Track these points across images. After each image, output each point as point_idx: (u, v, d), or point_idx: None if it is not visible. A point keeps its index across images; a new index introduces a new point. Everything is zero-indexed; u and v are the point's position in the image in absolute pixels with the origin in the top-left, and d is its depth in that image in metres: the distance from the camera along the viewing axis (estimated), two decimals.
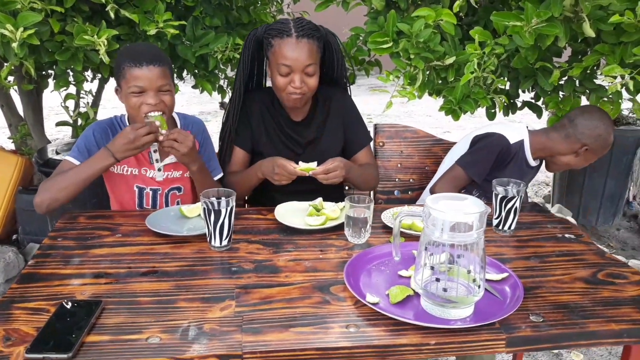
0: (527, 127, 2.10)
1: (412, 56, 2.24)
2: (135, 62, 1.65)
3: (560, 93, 2.45)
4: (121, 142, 1.59)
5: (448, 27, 2.22)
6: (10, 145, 3.34)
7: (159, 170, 1.82)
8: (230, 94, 2.81)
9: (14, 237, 3.07)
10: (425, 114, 7.19)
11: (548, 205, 3.77)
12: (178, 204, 1.86)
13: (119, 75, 1.69)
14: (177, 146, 1.64)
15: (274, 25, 1.79)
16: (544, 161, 2.12)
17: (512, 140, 2.00)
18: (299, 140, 1.94)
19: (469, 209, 1.14)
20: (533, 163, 2.05)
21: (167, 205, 1.85)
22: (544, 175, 4.54)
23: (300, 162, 1.72)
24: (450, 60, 2.23)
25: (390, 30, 2.25)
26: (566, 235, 1.57)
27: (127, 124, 1.80)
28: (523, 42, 2.02)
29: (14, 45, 1.79)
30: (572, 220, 3.17)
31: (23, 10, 1.87)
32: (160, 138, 1.63)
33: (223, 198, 1.40)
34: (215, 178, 1.90)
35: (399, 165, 2.28)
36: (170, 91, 1.71)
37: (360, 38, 2.62)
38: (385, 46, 2.25)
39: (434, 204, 1.14)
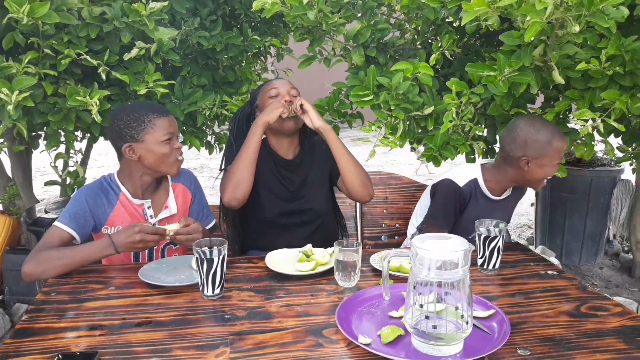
0: (481, 164, 2.14)
1: (392, 107, 2.33)
2: (162, 112, 1.76)
3: None
4: (126, 239, 1.58)
5: (425, 79, 2.33)
6: None
7: (154, 225, 1.84)
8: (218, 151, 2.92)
9: (0, 297, 3.03)
10: (407, 163, 7.33)
11: (531, 247, 3.83)
12: None
13: (143, 129, 1.71)
14: (191, 241, 1.61)
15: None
16: (511, 190, 2.12)
17: (462, 182, 2.04)
18: (292, 178, 2.05)
19: (454, 247, 1.20)
20: (495, 197, 2.07)
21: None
22: (526, 218, 4.63)
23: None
24: (429, 110, 2.33)
25: (371, 83, 2.36)
26: (549, 272, 1.62)
27: (119, 185, 1.80)
28: (497, 90, 2.13)
29: (9, 107, 1.85)
30: (556, 261, 3.23)
31: (18, 74, 1.94)
32: (168, 237, 1.64)
33: (215, 247, 1.44)
34: (209, 226, 1.96)
35: (384, 211, 2.34)
36: None
37: (343, 92, 2.73)
38: (366, 99, 2.35)
39: (421, 244, 1.19)
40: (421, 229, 2.14)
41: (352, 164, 1.96)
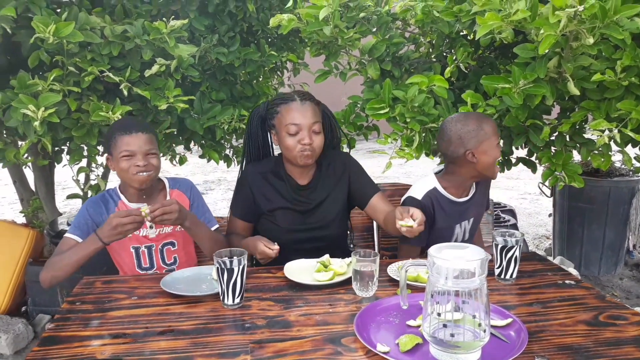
0: (435, 172, 2.12)
1: (408, 120, 2.36)
2: (126, 130, 1.84)
3: (552, 148, 2.55)
4: (106, 228, 1.71)
5: (441, 91, 2.36)
6: (22, 219, 3.42)
7: (151, 227, 1.93)
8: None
9: (23, 308, 3.09)
10: (423, 174, 7.34)
11: (550, 258, 3.80)
12: (175, 260, 1.98)
13: (110, 145, 1.86)
14: (167, 216, 1.73)
15: (276, 98, 1.96)
16: (474, 186, 2.10)
17: (420, 194, 2.01)
18: (306, 202, 1.99)
19: (470, 256, 1.21)
20: (460, 200, 2.05)
21: (163, 261, 1.97)
22: (544, 229, 4.60)
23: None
24: None
25: (387, 97, 2.39)
26: (566, 282, 1.62)
27: (119, 194, 1.95)
28: (513, 102, 2.15)
29: (36, 124, 1.91)
30: (575, 272, 3.20)
31: (43, 91, 2.00)
32: (148, 219, 1.71)
33: (235, 257, 1.47)
34: (212, 229, 2.01)
35: None
36: (157, 155, 1.89)
37: (358, 105, 2.77)
38: (382, 112, 2.38)
39: (438, 253, 1.21)
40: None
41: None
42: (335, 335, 1.32)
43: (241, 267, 1.46)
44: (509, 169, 2.81)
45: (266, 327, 1.37)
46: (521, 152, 2.75)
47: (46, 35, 1.91)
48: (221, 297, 1.49)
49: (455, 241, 2.08)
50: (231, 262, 1.45)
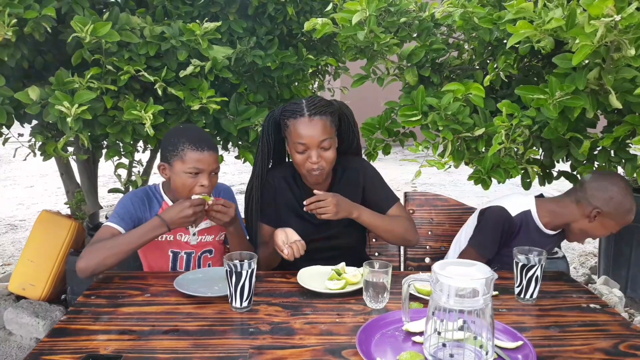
0: (537, 195, 2.07)
1: (440, 128, 2.30)
2: (197, 146, 1.76)
3: (596, 163, 2.43)
4: (177, 214, 1.67)
5: (477, 100, 2.29)
6: (67, 211, 3.56)
7: (194, 235, 1.92)
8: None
9: (63, 297, 3.22)
10: (470, 183, 7.15)
11: (594, 277, 3.62)
12: (209, 266, 1.95)
13: (174, 155, 1.78)
14: (221, 215, 1.75)
15: (288, 107, 1.88)
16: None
17: (515, 211, 1.97)
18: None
19: (475, 274, 1.17)
20: (548, 232, 1.99)
21: (199, 268, 1.94)
22: (592, 246, 4.38)
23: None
24: (479, 132, 2.28)
25: (420, 103, 2.34)
26: (591, 305, 1.53)
27: (162, 193, 1.92)
28: (549, 114, 2.05)
29: (69, 120, 1.98)
30: (620, 293, 3.04)
31: (80, 89, 2.08)
32: (207, 204, 1.74)
33: (245, 260, 1.47)
34: None
35: (429, 232, 2.30)
36: (218, 171, 1.85)
37: (395, 111, 2.72)
38: (414, 119, 2.33)
39: (441, 270, 1.17)
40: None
41: (388, 232, 1.91)
42: (337, 346, 1.30)
43: (250, 270, 1.46)
44: (549, 183, 2.69)
45: (269, 333, 1.36)
46: (565, 165, 2.63)
47: (83, 34, 1.98)
48: (229, 300, 1.49)
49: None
50: (241, 266, 1.45)
